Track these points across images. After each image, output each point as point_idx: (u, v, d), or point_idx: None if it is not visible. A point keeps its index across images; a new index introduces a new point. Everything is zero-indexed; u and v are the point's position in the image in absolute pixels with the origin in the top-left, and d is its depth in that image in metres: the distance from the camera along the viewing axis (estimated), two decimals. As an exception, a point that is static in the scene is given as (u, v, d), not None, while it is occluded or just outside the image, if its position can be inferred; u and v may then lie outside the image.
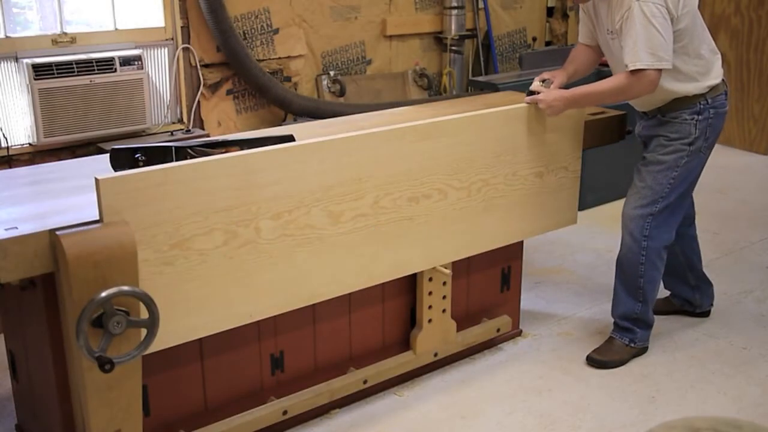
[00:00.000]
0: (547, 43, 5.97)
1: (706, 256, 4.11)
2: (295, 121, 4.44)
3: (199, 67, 4.24)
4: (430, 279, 2.85)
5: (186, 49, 4.17)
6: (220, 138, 2.62)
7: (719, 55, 2.98)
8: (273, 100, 4.45)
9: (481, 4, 5.57)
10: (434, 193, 2.70)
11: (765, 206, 4.89)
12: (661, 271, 3.10)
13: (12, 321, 2.55)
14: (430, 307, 2.89)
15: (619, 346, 3.11)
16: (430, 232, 2.72)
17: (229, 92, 4.42)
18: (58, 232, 1.97)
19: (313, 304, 2.57)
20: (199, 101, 4.29)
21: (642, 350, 3.16)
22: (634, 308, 3.09)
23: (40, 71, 3.58)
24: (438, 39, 5.44)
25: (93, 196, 2.05)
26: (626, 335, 3.12)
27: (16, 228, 2.02)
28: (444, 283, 2.90)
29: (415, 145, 2.59)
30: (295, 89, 4.67)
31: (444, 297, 2.93)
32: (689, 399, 2.88)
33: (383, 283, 2.73)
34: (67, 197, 2.31)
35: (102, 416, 2.10)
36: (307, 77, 4.74)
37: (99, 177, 2.02)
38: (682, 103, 2.92)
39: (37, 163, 3.62)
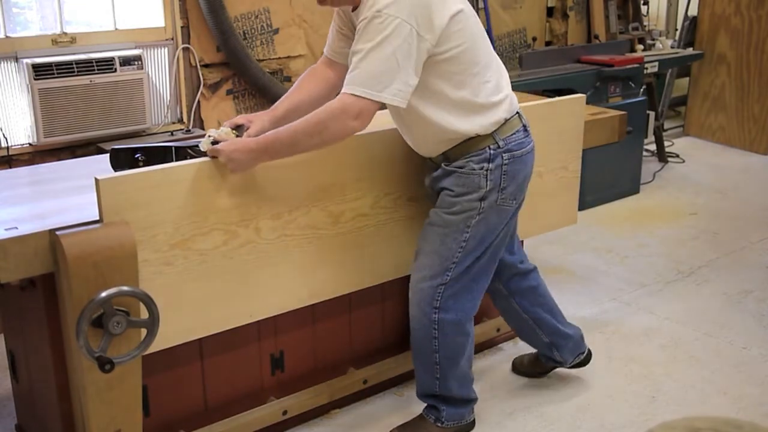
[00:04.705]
0: (547, 43, 5.97)
1: (706, 256, 4.13)
2: (295, 121, 4.44)
3: (199, 67, 4.24)
4: (430, 279, 2.85)
5: (186, 49, 4.17)
6: (220, 138, 2.62)
7: (508, 89, 2.45)
8: (273, 100, 4.43)
9: (481, 4, 5.56)
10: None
11: (765, 206, 4.89)
12: (466, 343, 2.55)
13: (12, 321, 2.54)
14: (430, 307, 2.89)
15: (429, 425, 2.63)
16: (430, 232, 2.71)
17: (229, 92, 4.42)
18: (58, 232, 1.97)
19: (313, 304, 2.57)
20: (199, 101, 4.28)
21: (461, 430, 2.66)
22: (432, 386, 2.58)
23: (40, 71, 3.58)
24: (438, 39, 5.42)
25: (93, 196, 2.05)
26: (431, 414, 2.64)
27: (16, 228, 2.02)
28: (444, 283, 2.90)
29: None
30: (295, 89, 4.66)
31: (444, 297, 2.92)
32: (689, 399, 2.88)
33: (383, 283, 2.73)
34: (67, 197, 2.31)
35: (102, 416, 2.10)
36: (307, 77, 4.74)
37: (99, 177, 2.02)
38: (467, 147, 2.35)
39: (37, 163, 3.62)
